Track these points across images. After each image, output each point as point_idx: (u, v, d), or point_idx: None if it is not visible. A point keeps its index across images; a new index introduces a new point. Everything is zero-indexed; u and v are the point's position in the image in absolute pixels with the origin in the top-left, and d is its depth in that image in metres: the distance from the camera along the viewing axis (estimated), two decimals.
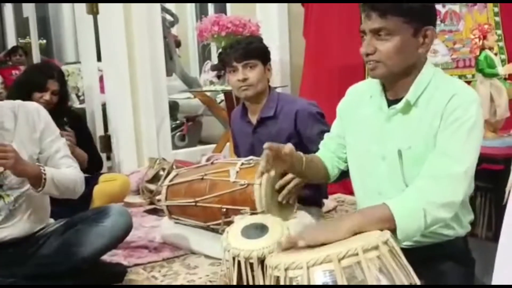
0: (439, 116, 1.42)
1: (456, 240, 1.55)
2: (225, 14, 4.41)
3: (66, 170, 1.98)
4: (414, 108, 1.47)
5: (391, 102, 1.52)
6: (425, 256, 1.48)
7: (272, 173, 1.50)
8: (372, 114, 1.56)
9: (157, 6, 4.02)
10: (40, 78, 2.78)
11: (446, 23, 3.82)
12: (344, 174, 1.75)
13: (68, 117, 2.90)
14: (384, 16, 1.41)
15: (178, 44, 6.08)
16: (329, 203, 2.97)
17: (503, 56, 3.86)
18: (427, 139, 1.44)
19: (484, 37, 2.62)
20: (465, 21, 3.86)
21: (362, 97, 1.62)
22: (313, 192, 2.47)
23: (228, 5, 6.06)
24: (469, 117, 1.40)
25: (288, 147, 1.49)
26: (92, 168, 2.94)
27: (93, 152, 3.06)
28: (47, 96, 2.76)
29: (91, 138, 3.26)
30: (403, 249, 1.25)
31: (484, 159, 2.43)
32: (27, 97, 2.54)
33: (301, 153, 1.62)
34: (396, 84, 1.50)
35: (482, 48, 2.64)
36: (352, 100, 1.67)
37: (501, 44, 3.89)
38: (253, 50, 2.44)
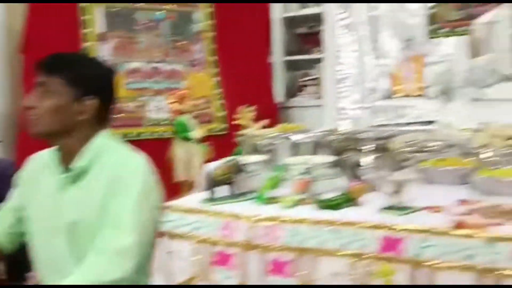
0: (107, 186, 1.40)
1: None
2: None
3: None
4: (85, 178, 1.43)
5: (67, 171, 1.46)
6: None
7: None
8: (49, 184, 1.48)
9: None
10: None
11: (171, 81, 4.02)
12: None
13: None
14: (49, 73, 1.41)
15: None
16: None
17: (223, 113, 4.16)
18: (99, 210, 1.40)
19: (181, 102, 2.79)
20: (188, 80, 4.11)
21: (43, 166, 1.52)
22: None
23: None
24: (134, 185, 1.39)
25: None
26: None
27: None
28: None
29: None
30: None
31: None
32: None
33: None
34: (64, 150, 1.46)
35: (181, 112, 2.81)
36: (33, 169, 1.57)
37: (221, 101, 4.19)
38: None
